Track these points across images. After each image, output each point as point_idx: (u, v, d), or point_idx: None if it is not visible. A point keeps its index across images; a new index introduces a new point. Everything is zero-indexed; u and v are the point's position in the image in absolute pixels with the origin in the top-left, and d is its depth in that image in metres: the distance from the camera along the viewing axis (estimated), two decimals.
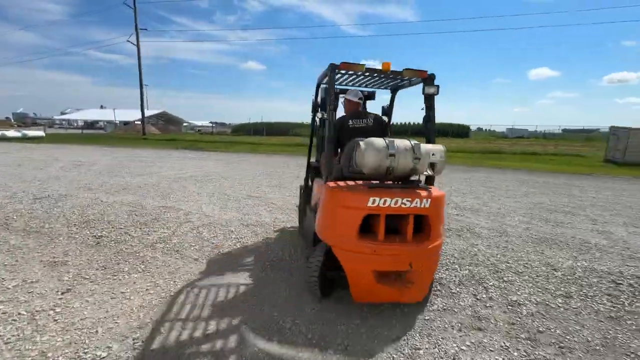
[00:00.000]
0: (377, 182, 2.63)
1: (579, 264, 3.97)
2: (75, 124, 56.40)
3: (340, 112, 3.79)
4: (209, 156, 15.48)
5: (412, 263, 2.54)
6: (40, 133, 27.92)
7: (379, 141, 2.46)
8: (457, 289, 3.27)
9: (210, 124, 53.66)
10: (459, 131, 33.71)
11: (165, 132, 41.77)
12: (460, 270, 3.68)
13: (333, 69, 2.73)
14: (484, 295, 3.17)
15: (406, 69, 2.83)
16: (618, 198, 7.97)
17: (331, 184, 2.71)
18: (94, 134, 37.84)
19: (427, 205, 2.50)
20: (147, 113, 43.56)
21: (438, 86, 2.87)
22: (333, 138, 2.77)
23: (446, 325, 2.69)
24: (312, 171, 4.06)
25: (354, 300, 2.74)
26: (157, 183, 8.01)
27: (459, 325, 2.70)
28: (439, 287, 3.28)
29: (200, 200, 6.37)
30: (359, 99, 3.49)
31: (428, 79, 2.86)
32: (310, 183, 4.12)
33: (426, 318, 2.77)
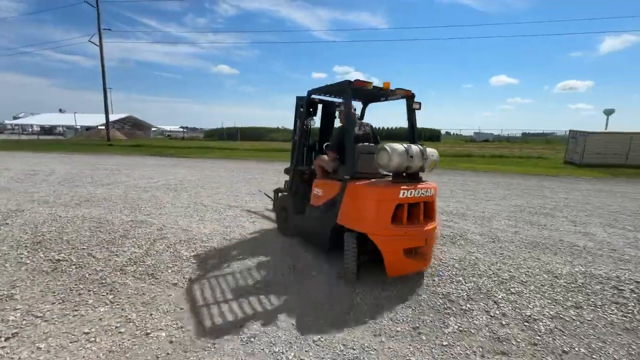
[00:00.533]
0: (390, 178, 3.23)
1: (576, 269, 3.86)
2: (30, 130, 52.00)
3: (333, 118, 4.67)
4: (181, 162, 14.59)
5: (426, 239, 3.20)
6: None
7: (400, 146, 2.99)
8: (468, 305, 3.00)
9: (181, 129, 51.50)
10: (431, 135, 34.58)
11: (132, 137, 39.51)
12: (465, 282, 3.44)
13: (350, 84, 3.22)
14: (497, 312, 2.93)
15: (398, 88, 3.53)
16: (587, 199, 8.23)
17: (360, 182, 3.14)
18: (52, 140, 35.02)
19: (432, 194, 3.23)
20: (112, 117, 41.03)
21: (420, 103, 3.66)
22: (344, 144, 3.37)
23: (467, 352, 2.40)
24: (299, 175, 4.28)
25: (388, 275, 3.16)
26: (124, 194, 7.24)
27: (481, 349, 2.42)
28: (449, 304, 3.00)
29: (176, 213, 5.76)
30: (354, 109, 3.73)
31: (412, 97, 3.62)
32: (295, 187, 4.31)
33: (444, 344, 2.47)
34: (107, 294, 3.02)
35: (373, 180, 3.25)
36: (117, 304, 2.86)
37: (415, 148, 3.05)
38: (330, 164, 3.71)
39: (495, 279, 3.55)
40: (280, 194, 4.82)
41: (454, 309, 2.94)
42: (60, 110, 61.87)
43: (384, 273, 3.20)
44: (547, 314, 2.92)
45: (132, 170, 11.56)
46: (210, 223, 5.20)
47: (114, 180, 9.03)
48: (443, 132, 38.12)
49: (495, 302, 3.07)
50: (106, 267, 3.54)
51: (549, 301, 3.14)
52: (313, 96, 4.08)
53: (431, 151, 3.22)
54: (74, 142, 29.12)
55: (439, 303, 3.02)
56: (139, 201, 6.54)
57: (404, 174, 3.19)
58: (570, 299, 3.19)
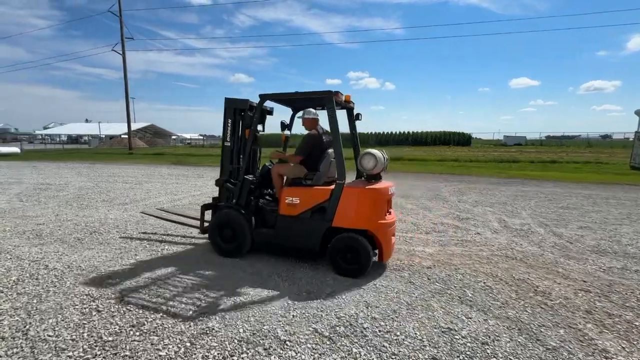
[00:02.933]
0: (369, 180, 3.50)
1: None
2: (58, 139, 52.04)
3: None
4: (205, 172, 12.95)
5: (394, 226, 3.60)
6: (15, 149, 24.54)
7: (378, 152, 3.40)
8: None
9: (201, 137, 50.52)
10: (460, 139, 32.17)
11: (153, 145, 38.63)
12: None
13: (333, 94, 3.38)
14: None
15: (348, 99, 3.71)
16: None
17: (354, 186, 3.36)
18: (76, 149, 34.38)
19: (394, 191, 3.65)
20: (134, 126, 40.41)
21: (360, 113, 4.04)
22: (314, 151, 3.64)
23: None
24: (248, 186, 3.75)
25: (384, 260, 3.36)
26: (144, 219, 5.52)
27: None
28: None
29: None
30: (317, 117, 3.80)
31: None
32: (245, 200, 3.76)
33: None
34: None
35: (356, 182, 3.59)
36: None
37: (384, 154, 3.48)
38: (296, 171, 3.64)
39: None
40: (211, 210, 4.06)
41: None
42: (87, 120, 62.21)
43: None
44: None
45: (153, 182, 9.94)
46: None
47: (132, 198, 7.36)
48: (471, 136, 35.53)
49: None
50: None
51: None
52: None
53: (385, 156, 3.50)
54: (96, 151, 28.19)
55: None
56: (163, 232, 4.78)
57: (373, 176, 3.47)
58: None
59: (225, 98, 3.87)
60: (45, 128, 61.30)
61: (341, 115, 3.76)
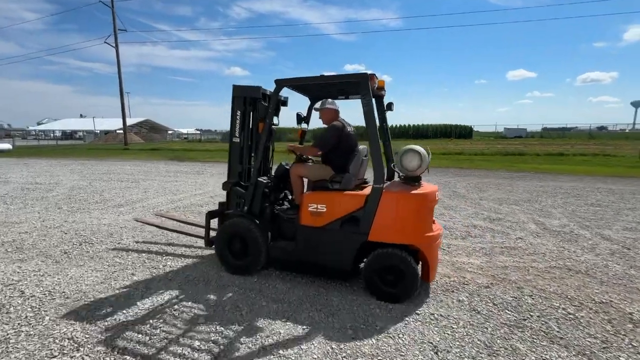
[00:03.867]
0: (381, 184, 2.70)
1: None
2: (52, 135, 50.50)
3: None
4: (204, 169, 12.22)
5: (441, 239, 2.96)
6: (7, 146, 23.47)
7: (422, 149, 2.72)
8: None
9: (197, 131, 49.35)
10: (462, 132, 31.52)
11: (149, 140, 37.57)
12: None
13: (369, 77, 2.68)
14: None
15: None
16: None
17: (395, 190, 2.67)
18: (70, 145, 33.27)
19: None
20: (130, 121, 39.27)
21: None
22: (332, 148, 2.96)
23: None
24: (261, 190, 3.06)
25: (430, 280, 2.73)
26: (142, 227, 4.84)
27: None
28: None
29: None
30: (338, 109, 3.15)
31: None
32: (259, 206, 3.08)
33: None
34: None
35: (395, 185, 2.82)
36: None
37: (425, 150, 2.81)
38: (320, 172, 2.96)
39: None
40: (218, 218, 3.42)
41: None
42: (81, 116, 60.55)
43: None
44: None
45: (151, 180, 9.21)
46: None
47: (128, 199, 6.65)
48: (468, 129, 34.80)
49: None
50: None
51: None
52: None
53: (429, 153, 2.84)
54: (91, 147, 27.17)
55: None
56: (165, 242, 4.12)
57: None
58: None
59: (234, 86, 3.19)
60: (39, 124, 59.41)
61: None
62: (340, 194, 2.81)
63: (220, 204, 3.47)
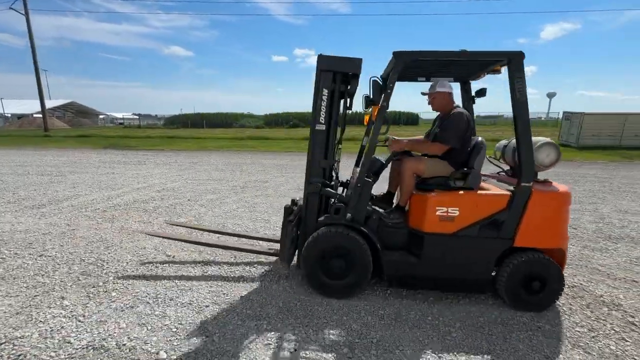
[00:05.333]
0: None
1: None
2: None
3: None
4: (147, 158, 10.92)
5: None
6: None
7: (553, 142, 2.53)
8: None
9: (135, 116, 44.49)
10: (409, 119, 32.77)
11: (77, 126, 32.95)
12: None
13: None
14: None
15: None
16: None
17: (548, 187, 2.43)
18: None
19: None
20: (50, 104, 34.06)
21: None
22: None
23: None
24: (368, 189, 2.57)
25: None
26: (70, 230, 4.00)
27: None
28: None
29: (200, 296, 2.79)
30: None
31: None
32: (370, 210, 2.61)
33: None
34: None
35: (537, 184, 2.45)
36: None
37: None
38: (438, 168, 2.55)
39: None
40: (293, 227, 2.65)
41: None
42: None
43: None
44: None
45: (81, 173, 7.89)
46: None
47: (52, 197, 5.54)
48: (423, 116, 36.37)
49: None
50: None
51: None
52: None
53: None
54: (1, 134, 22.85)
55: None
56: (105, 252, 3.41)
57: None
58: None
59: (321, 56, 2.48)
60: None
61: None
62: (475, 194, 2.46)
63: (289, 209, 2.79)
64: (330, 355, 1.92)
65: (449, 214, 2.42)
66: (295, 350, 1.95)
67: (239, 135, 20.90)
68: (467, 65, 2.61)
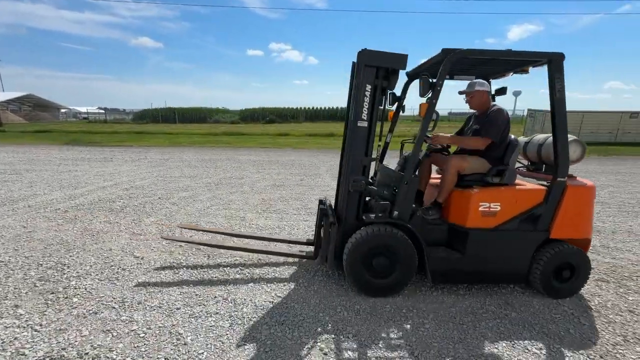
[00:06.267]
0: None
1: None
2: None
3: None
4: (113, 155, 10.36)
5: None
6: None
7: (579, 139, 2.65)
8: None
9: (101, 110, 42.01)
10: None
11: (34, 120, 30.68)
12: None
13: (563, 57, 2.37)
14: None
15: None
16: None
17: (579, 182, 2.59)
18: None
19: None
20: (4, 96, 31.46)
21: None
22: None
23: None
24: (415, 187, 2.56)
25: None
26: (27, 232, 3.71)
27: None
28: None
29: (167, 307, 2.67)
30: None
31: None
32: (423, 209, 2.71)
33: None
34: None
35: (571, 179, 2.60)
36: None
37: None
38: (477, 165, 2.62)
39: None
40: (328, 227, 2.65)
41: None
42: None
43: None
44: None
45: (39, 171, 7.34)
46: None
47: (6, 197, 5.11)
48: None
49: None
50: None
51: None
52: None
53: None
54: None
55: None
56: (66, 255, 3.18)
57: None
58: None
59: (364, 51, 2.41)
60: None
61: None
62: (514, 189, 2.56)
63: (324, 210, 2.77)
64: (309, 351, 1.90)
65: (491, 209, 2.50)
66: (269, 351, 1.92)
67: (214, 130, 20.33)
68: (499, 65, 2.64)
